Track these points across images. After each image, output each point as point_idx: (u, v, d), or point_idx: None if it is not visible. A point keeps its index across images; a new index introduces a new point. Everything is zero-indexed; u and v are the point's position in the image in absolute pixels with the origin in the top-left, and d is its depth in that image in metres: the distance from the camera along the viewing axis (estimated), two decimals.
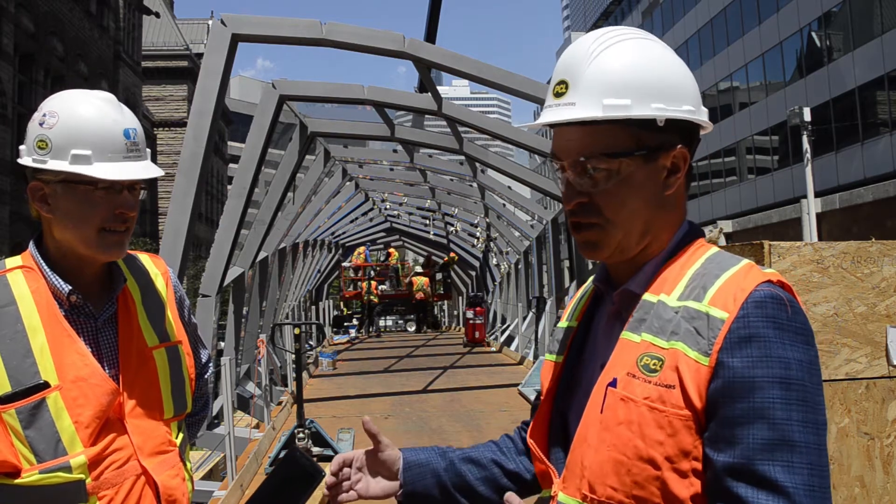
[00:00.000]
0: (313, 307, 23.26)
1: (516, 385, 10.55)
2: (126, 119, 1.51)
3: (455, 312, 30.24)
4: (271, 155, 10.05)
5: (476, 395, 10.52)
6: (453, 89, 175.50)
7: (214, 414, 8.01)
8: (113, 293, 1.58)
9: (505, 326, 19.61)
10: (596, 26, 29.50)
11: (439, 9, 17.28)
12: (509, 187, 16.45)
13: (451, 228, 23.45)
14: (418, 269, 29.21)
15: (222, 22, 7.52)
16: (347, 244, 25.71)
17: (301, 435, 6.61)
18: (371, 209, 21.54)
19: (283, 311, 16.21)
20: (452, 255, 26.55)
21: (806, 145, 19.96)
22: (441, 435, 7.91)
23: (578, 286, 1.36)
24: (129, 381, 1.53)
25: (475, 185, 16.80)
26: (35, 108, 1.53)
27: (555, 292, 14.66)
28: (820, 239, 20.39)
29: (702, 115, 1.13)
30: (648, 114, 1.07)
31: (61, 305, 1.50)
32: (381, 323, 27.61)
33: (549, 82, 1.17)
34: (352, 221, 22.03)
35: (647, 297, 1.10)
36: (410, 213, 23.24)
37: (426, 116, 11.81)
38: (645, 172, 1.09)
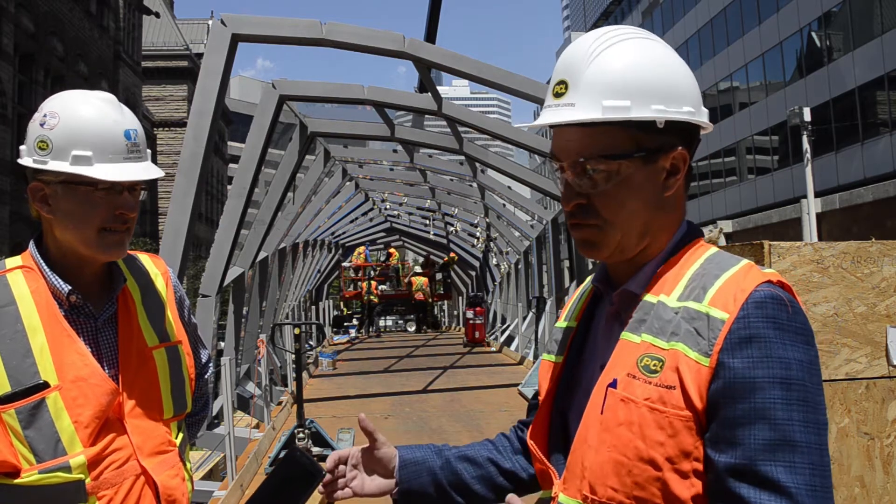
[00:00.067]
0: (313, 307, 23.25)
1: (516, 385, 10.55)
2: (126, 120, 1.51)
3: (455, 312, 30.24)
4: (271, 155, 10.05)
5: (476, 395, 10.52)
6: (453, 89, 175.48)
7: (214, 414, 8.00)
8: (113, 293, 1.58)
9: (505, 326, 19.61)
10: (596, 26, 29.50)
11: (439, 9, 17.29)
12: (509, 187, 16.45)
13: (451, 228, 23.45)
14: (418, 269, 29.21)
15: (222, 22, 7.52)
16: (347, 244, 25.71)
17: (301, 435, 6.61)
18: (371, 209, 21.54)
19: (283, 311, 16.21)
20: (452, 255, 26.55)
21: (806, 145, 19.96)
22: (441, 435, 7.91)
23: (578, 286, 1.36)
24: (129, 381, 1.53)
25: (475, 185, 16.81)
26: (35, 108, 1.53)
27: (555, 292, 14.66)
28: (820, 239, 20.39)
29: (702, 116, 1.12)
30: (648, 115, 1.07)
31: (61, 305, 1.50)
32: (381, 323, 27.62)
33: (548, 82, 1.16)
34: (352, 221, 22.03)
35: (646, 297, 1.10)
36: (410, 213, 23.24)
37: (426, 116, 11.81)
38: (644, 174, 1.09)
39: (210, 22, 44.33)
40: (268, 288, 13.25)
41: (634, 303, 1.12)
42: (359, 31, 8.37)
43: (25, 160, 1.49)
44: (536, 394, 1.31)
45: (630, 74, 1.07)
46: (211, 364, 1.98)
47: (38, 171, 1.48)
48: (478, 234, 22.19)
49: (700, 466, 1.01)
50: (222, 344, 10.82)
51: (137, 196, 1.55)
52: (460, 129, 12.02)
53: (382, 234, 26.56)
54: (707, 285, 1.05)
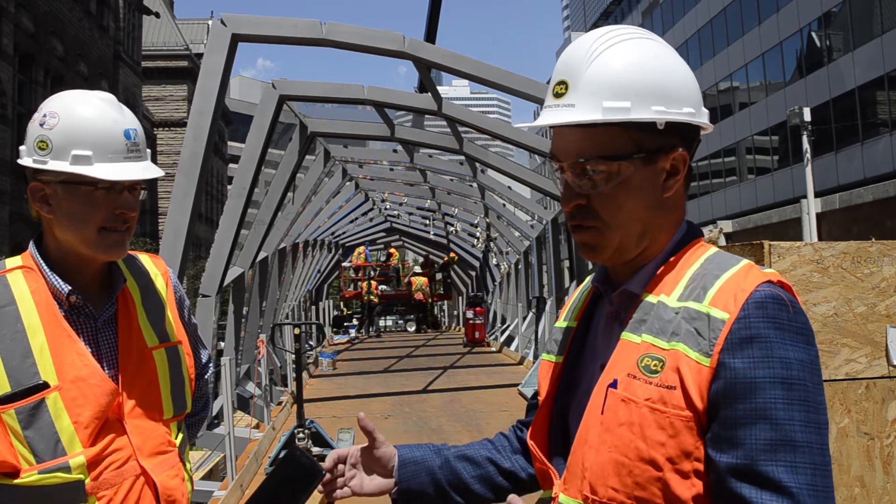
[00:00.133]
0: (313, 307, 23.26)
1: (516, 385, 10.55)
2: (126, 119, 1.52)
3: (455, 312, 30.25)
4: (271, 155, 10.05)
5: (476, 395, 10.52)
6: (453, 89, 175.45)
7: (214, 414, 8.01)
8: (113, 293, 1.58)
9: (505, 326, 19.62)
10: (596, 26, 29.51)
11: (439, 9, 17.30)
12: (509, 187, 16.46)
13: (451, 228, 23.45)
14: (417, 269, 29.23)
15: (222, 22, 7.52)
16: (347, 244, 25.72)
17: (301, 435, 6.62)
18: (371, 209, 21.54)
19: (283, 311, 16.21)
20: (452, 255, 26.55)
21: (806, 145, 19.96)
22: (441, 435, 7.91)
23: (578, 286, 1.35)
24: (129, 381, 1.53)
25: (475, 185, 16.81)
26: (35, 108, 1.53)
27: (555, 292, 14.66)
28: (820, 239, 20.40)
29: (702, 117, 1.12)
30: (648, 117, 1.06)
31: (61, 306, 1.50)
32: (381, 323, 27.63)
33: (548, 82, 1.16)
34: (352, 221, 22.04)
35: (646, 297, 1.10)
36: (410, 213, 23.25)
37: (426, 116, 11.81)
38: (644, 175, 1.09)
39: (210, 22, 44.32)
40: (268, 288, 13.25)
41: (634, 303, 1.12)
42: (359, 31, 8.37)
43: (25, 160, 1.49)
44: (536, 393, 1.31)
45: (630, 75, 1.07)
46: (211, 364, 1.98)
47: (38, 171, 1.48)
48: (478, 234, 22.19)
49: (701, 467, 1.01)
50: (222, 344, 10.82)
51: (137, 195, 1.55)
52: (460, 129, 12.02)
53: (382, 234, 26.56)
54: (707, 285, 1.05)
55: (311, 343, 17.51)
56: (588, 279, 1.30)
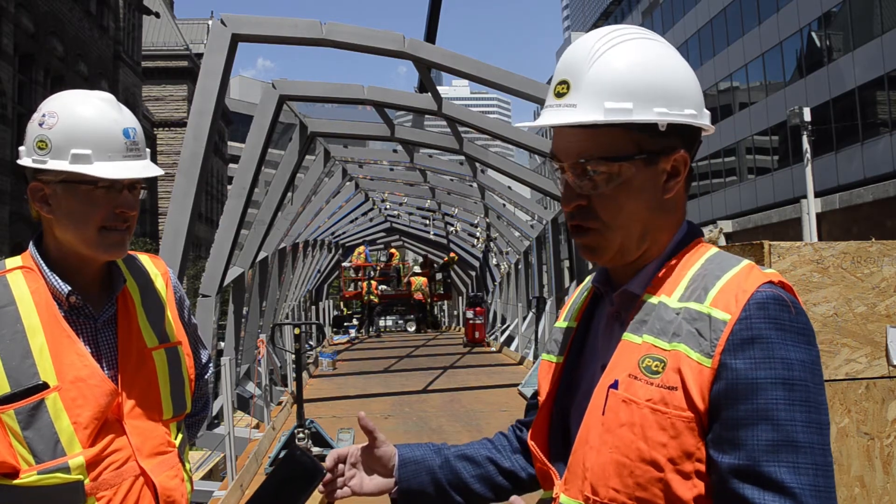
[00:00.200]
0: (313, 307, 23.26)
1: (516, 385, 10.55)
2: (125, 118, 1.51)
3: (455, 312, 30.25)
4: (271, 155, 10.05)
5: (476, 395, 10.52)
6: (453, 89, 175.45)
7: (214, 414, 8.01)
8: (112, 294, 1.58)
9: (505, 326, 19.63)
10: (596, 26, 29.51)
11: (439, 9, 17.29)
12: (509, 187, 16.46)
13: (451, 228, 23.46)
14: (417, 269, 29.24)
15: (222, 22, 7.52)
16: (347, 244, 25.72)
17: (301, 435, 6.62)
18: (371, 209, 21.55)
19: (283, 311, 16.21)
20: (452, 255, 26.56)
21: (806, 145, 19.96)
22: (441, 435, 7.91)
23: (578, 286, 1.35)
24: (128, 381, 1.53)
25: (475, 185, 16.81)
26: (35, 108, 1.53)
27: (555, 292, 14.66)
28: (820, 239, 20.40)
29: (704, 119, 1.11)
30: (650, 118, 1.06)
31: (61, 306, 1.50)
32: (381, 323, 27.63)
33: (548, 81, 1.16)
34: (352, 221, 22.04)
35: (647, 298, 1.10)
36: (410, 213, 23.25)
37: (426, 116, 11.81)
38: (645, 176, 1.09)
39: (210, 22, 44.32)
40: (268, 288, 13.25)
41: (635, 303, 1.12)
42: (359, 31, 8.37)
43: (25, 160, 1.49)
44: (535, 393, 1.31)
45: (632, 76, 1.06)
46: (211, 364, 1.98)
47: (38, 171, 1.48)
48: (478, 234, 22.20)
49: (702, 467, 1.01)
50: (222, 344, 10.82)
51: (137, 195, 1.54)
52: (460, 129, 12.02)
53: (382, 234, 26.57)
54: (708, 286, 1.05)
55: (311, 343, 17.52)
56: (588, 279, 1.30)
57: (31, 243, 1.56)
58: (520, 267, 18.93)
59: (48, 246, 1.54)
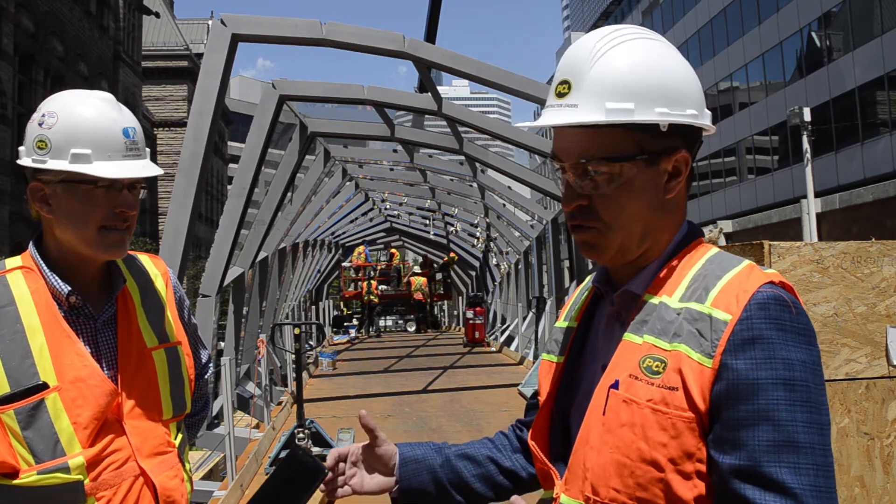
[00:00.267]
0: (313, 307, 23.26)
1: (516, 385, 10.55)
2: (125, 118, 1.51)
3: (455, 312, 30.25)
4: (271, 155, 10.05)
5: (476, 395, 10.52)
6: (453, 89, 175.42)
7: (214, 414, 8.01)
8: (112, 294, 1.58)
9: (505, 326, 19.63)
10: (596, 26, 29.50)
11: (439, 9, 17.29)
12: (509, 187, 16.46)
13: (451, 228, 23.46)
14: (417, 269, 29.24)
15: (222, 22, 7.52)
16: (347, 244, 25.72)
17: (301, 435, 6.61)
18: (371, 209, 21.55)
19: (283, 311, 16.21)
20: (452, 255, 26.56)
21: (806, 145, 19.96)
22: (441, 435, 7.91)
23: (578, 286, 1.35)
24: (128, 381, 1.53)
25: (475, 185, 16.81)
26: (35, 108, 1.53)
27: (555, 292, 14.66)
28: (820, 239, 20.40)
29: (705, 119, 1.11)
30: (652, 119, 1.06)
31: (60, 306, 1.50)
32: (381, 323, 27.64)
33: (549, 81, 1.16)
34: (352, 221, 22.04)
35: (648, 298, 1.10)
36: (410, 213, 23.26)
37: (426, 116, 11.81)
38: (646, 176, 1.08)
39: (210, 22, 44.32)
40: (268, 288, 13.25)
41: (635, 303, 1.11)
42: (359, 31, 8.37)
43: (24, 160, 1.49)
44: (535, 393, 1.31)
45: (634, 76, 1.06)
46: (211, 364, 1.98)
47: (38, 171, 1.47)
48: (478, 234, 22.20)
49: (703, 467, 1.01)
50: (222, 344, 10.82)
51: (137, 194, 1.54)
52: (460, 129, 12.02)
53: (382, 234, 26.57)
54: (709, 286, 1.05)
55: (311, 343, 17.52)
56: (588, 279, 1.30)
57: (30, 243, 1.56)
58: (520, 267, 18.93)
59: (48, 246, 1.54)
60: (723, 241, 20.48)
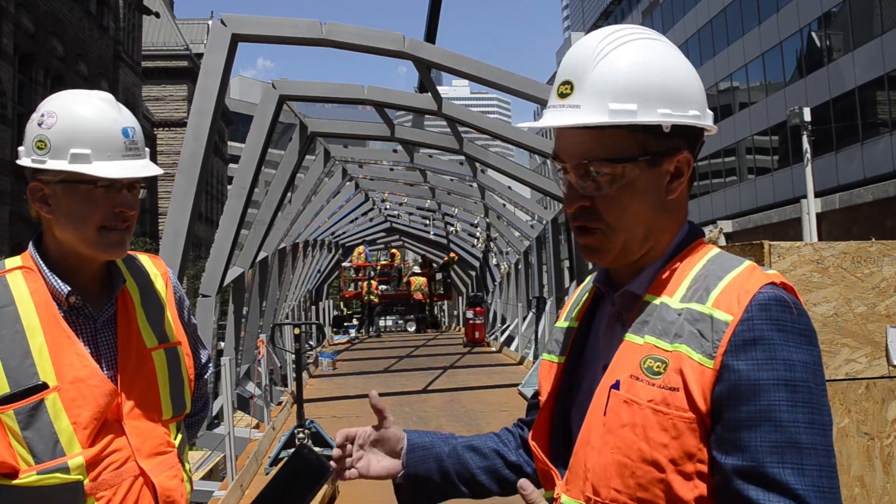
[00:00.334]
0: (313, 307, 23.26)
1: (516, 385, 10.55)
2: (124, 118, 1.51)
3: (455, 312, 30.25)
4: (271, 155, 10.05)
5: (476, 395, 10.52)
6: (453, 89, 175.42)
7: (214, 414, 8.00)
8: (112, 294, 1.58)
9: (505, 326, 19.62)
10: (596, 26, 29.48)
11: (439, 9, 17.29)
12: (509, 187, 16.46)
13: (451, 228, 23.46)
14: (417, 269, 29.25)
15: (222, 22, 7.52)
16: (347, 244, 25.72)
17: (301, 435, 6.61)
18: (371, 209, 21.55)
19: (283, 311, 16.21)
20: (452, 255, 26.56)
21: (806, 145, 19.96)
22: None
23: (578, 286, 1.35)
24: (128, 382, 1.53)
25: (475, 185, 16.81)
26: (35, 108, 1.53)
27: (555, 292, 14.66)
28: (820, 239, 20.40)
29: (707, 119, 1.11)
30: (654, 120, 1.05)
31: (60, 306, 1.50)
32: (381, 323, 27.64)
33: (549, 81, 1.16)
34: (352, 221, 22.04)
35: (649, 298, 1.10)
36: (410, 213, 23.26)
37: (426, 116, 11.81)
38: (648, 177, 1.08)
39: (210, 22, 44.32)
40: (268, 288, 13.25)
41: (636, 304, 1.11)
42: (359, 31, 8.37)
43: (24, 160, 1.49)
44: (536, 393, 1.31)
45: (636, 77, 1.06)
46: (211, 364, 1.98)
47: (37, 171, 1.47)
48: (478, 234, 22.20)
49: (704, 468, 1.01)
50: (222, 344, 10.82)
51: (137, 194, 1.54)
52: (460, 129, 12.02)
53: (382, 234, 26.56)
54: (710, 287, 1.05)
55: (311, 343, 17.52)
56: (589, 279, 1.30)
57: (30, 243, 1.56)
58: (520, 267, 18.93)
59: (48, 246, 1.54)
60: (723, 241, 20.48)
